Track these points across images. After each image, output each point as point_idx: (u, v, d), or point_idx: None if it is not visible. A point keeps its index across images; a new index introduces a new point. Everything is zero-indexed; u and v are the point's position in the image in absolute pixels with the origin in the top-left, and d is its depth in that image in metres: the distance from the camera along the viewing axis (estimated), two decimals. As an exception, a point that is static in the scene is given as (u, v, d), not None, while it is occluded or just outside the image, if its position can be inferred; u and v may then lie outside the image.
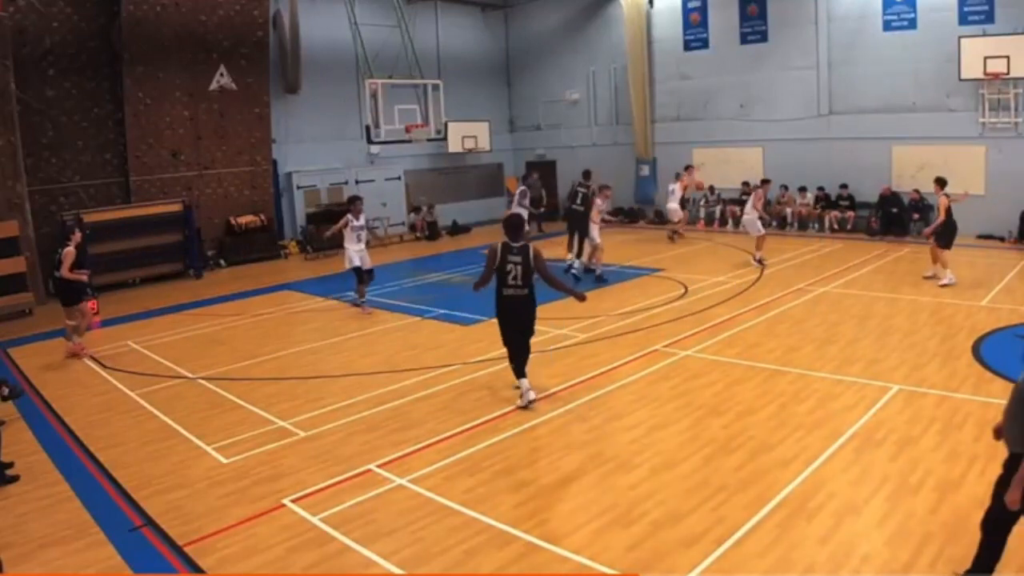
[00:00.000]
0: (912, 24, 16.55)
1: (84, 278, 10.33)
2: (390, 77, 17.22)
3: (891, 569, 4.38)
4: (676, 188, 17.68)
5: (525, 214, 13.85)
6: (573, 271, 13.78)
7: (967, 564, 4.15)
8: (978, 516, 4.15)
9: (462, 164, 23.50)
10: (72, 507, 5.77)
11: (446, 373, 8.65)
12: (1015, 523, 4.02)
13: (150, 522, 5.44)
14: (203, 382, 8.87)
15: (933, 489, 5.29)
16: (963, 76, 15.52)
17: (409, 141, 17.66)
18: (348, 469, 6.15)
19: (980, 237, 15.77)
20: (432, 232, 21.17)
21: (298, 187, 19.60)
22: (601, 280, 13.40)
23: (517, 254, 7.33)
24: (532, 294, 7.45)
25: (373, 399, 7.87)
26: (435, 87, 17.66)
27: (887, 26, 16.93)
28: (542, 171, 22.84)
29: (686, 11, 20.41)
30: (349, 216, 11.83)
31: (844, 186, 17.89)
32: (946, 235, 11.86)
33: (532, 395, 7.38)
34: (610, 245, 14.13)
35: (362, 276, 11.98)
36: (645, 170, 21.85)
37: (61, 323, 10.71)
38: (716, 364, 8.48)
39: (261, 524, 5.32)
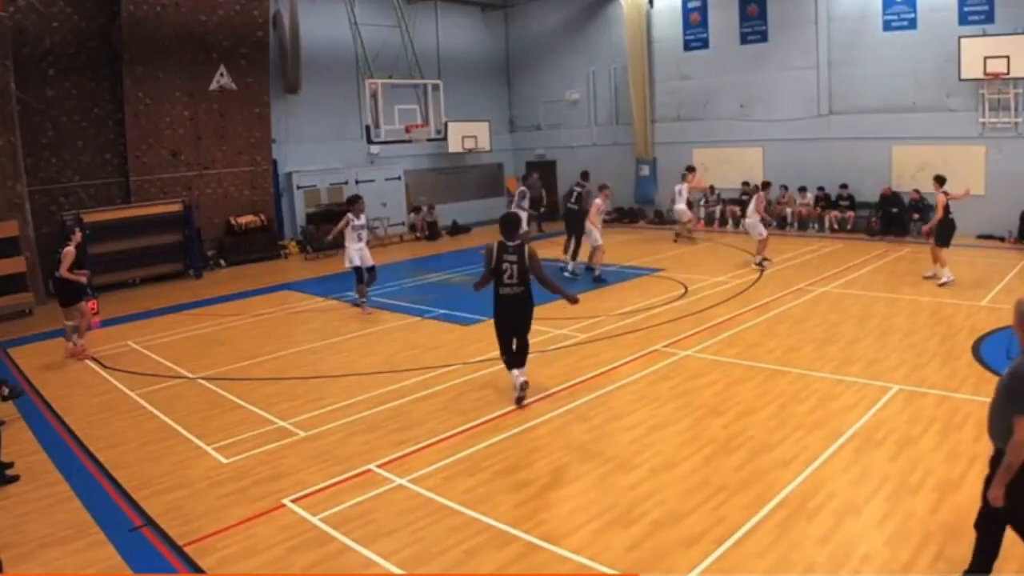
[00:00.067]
0: (912, 24, 16.55)
1: (83, 279, 10.31)
2: (390, 77, 17.23)
3: (891, 569, 4.38)
4: (683, 189, 17.64)
5: (524, 216, 13.92)
6: (566, 274, 13.79)
7: (967, 564, 4.15)
8: (978, 516, 4.15)
9: (462, 164, 23.50)
10: (72, 507, 5.77)
11: (446, 373, 8.65)
12: (1009, 521, 4.02)
13: (150, 522, 5.44)
14: (203, 382, 8.88)
15: (933, 489, 5.29)
16: (963, 76, 15.52)
17: (409, 141, 17.66)
18: (348, 469, 6.15)
19: (980, 237, 15.77)
20: (432, 232, 21.17)
21: (298, 187, 19.61)
22: (600, 280, 13.41)
23: (513, 253, 7.37)
24: (529, 292, 7.50)
25: (373, 399, 7.87)
26: (435, 87, 17.66)
27: (887, 26, 16.94)
28: (542, 171, 22.85)
29: (686, 11, 20.42)
30: (350, 215, 11.83)
31: (844, 186, 17.89)
32: (944, 233, 11.88)
33: (522, 379, 7.46)
34: (610, 245, 14.13)
35: (362, 276, 11.98)
36: (645, 170, 21.85)
37: (61, 323, 10.71)
38: (716, 364, 8.48)
39: (261, 524, 5.32)
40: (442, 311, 11.82)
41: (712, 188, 19.72)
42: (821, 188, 18.32)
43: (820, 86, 18.15)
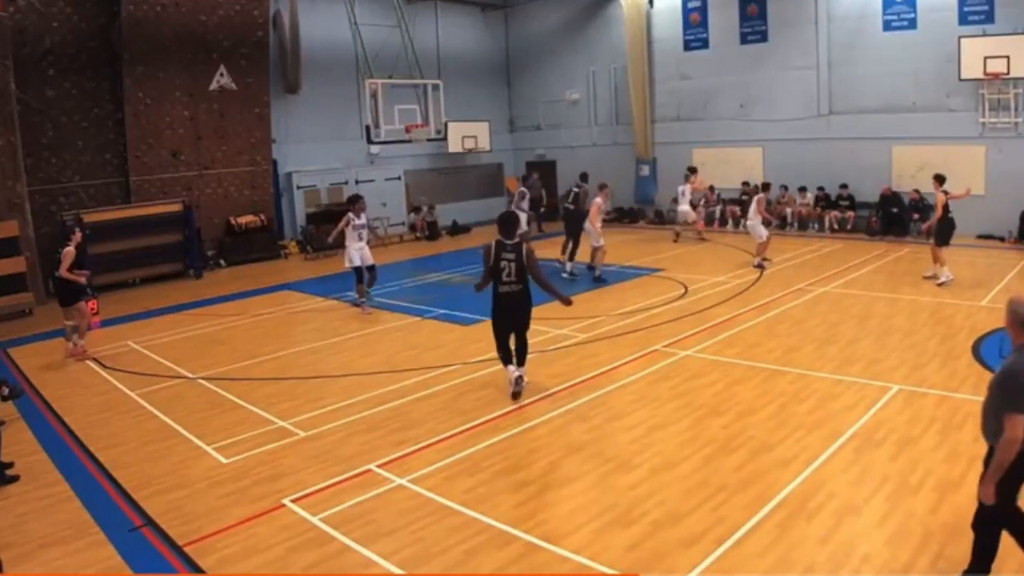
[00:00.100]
0: (912, 24, 16.55)
1: (83, 280, 10.30)
2: (390, 77, 17.23)
3: (891, 569, 4.38)
4: (686, 190, 17.61)
5: (523, 217, 13.96)
6: (564, 275, 13.81)
7: (967, 564, 4.15)
8: (978, 516, 4.15)
9: (462, 164, 23.50)
10: (72, 507, 5.77)
11: (446, 373, 8.65)
12: (1000, 521, 4.03)
13: (150, 522, 5.44)
14: (203, 382, 8.87)
15: (933, 489, 5.29)
16: (963, 76, 15.52)
17: (409, 141, 17.67)
18: (348, 469, 6.15)
19: (980, 237, 15.77)
20: (432, 232, 21.17)
21: (298, 187, 19.61)
22: (600, 280, 13.41)
23: (511, 251, 7.44)
24: (527, 290, 7.57)
25: (373, 399, 7.87)
26: (435, 87, 17.66)
27: (887, 26, 16.94)
28: (542, 171, 22.86)
29: (686, 11, 20.42)
30: (351, 215, 11.84)
31: (844, 186, 17.89)
32: (943, 233, 11.89)
33: (517, 373, 7.58)
34: (610, 245, 14.13)
35: (362, 275, 11.98)
36: (645, 170, 21.85)
37: (61, 323, 10.71)
38: (716, 364, 8.48)
39: (261, 524, 5.32)
40: (442, 311, 11.82)
41: (712, 188, 19.72)
42: (821, 188, 18.32)
43: (820, 86, 18.15)
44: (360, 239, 11.93)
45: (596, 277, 13.53)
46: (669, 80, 21.05)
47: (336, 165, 20.42)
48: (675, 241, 17.72)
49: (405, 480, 5.89)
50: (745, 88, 19.47)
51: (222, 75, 17.48)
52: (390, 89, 16.87)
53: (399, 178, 21.55)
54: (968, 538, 4.16)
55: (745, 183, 19.15)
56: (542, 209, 20.58)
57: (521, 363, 7.85)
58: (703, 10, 20.07)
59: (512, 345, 7.76)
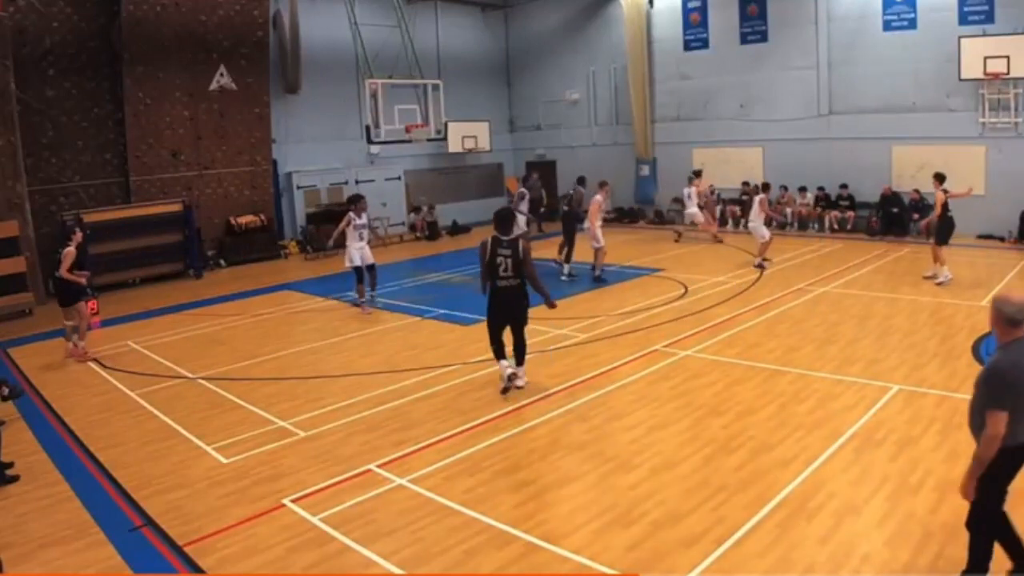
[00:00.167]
0: (912, 24, 16.55)
1: (83, 280, 10.29)
2: (390, 77, 17.23)
3: (891, 569, 4.39)
4: (692, 193, 17.57)
5: (522, 219, 14.03)
6: (563, 277, 13.85)
7: (965, 565, 4.16)
8: (978, 516, 4.15)
9: (462, 164, 23.50)
10: (72, 507, 5.77)
11: (446, 373, 8.65)
12: (998, 515, 4.03)
13: (150, 522, 5.44)
14: (203, 382, 8.88)
15: (933, 489, 5.29)
16: (963, 76, 15.52)
17: (409, 141, 17.66)
18: (348, 469, 6.15)
19: (980, 237, 15.78)
20: (432, 232, 21.18)
21: (298, 187, 19.61)
22: (600, 280, 13.42)
23: (507, 247, 7.55)
24: (524, 286, 7.67)
25: (373, 399, 7.87)
26: (435, 87, 17.66)
27: (887, 26, 16.93)
28: (542, 171, 22.85)
29: (686, 11, 20.41)
30: (351, 214, 11.85)
31: (844, 186, 17.89)
32: (943, 232, 11.90)
33: (510, 370, 7.71)
34: (610, 245, 14.13)
35: (362, 275, 11.98)
36: (645, 170, 21.85)
37: (61, 323, 10.70)
38: (716, 364, 8.48)
39: (261, 524, 5.32)
40: (442, 311, 11.82)
41: (712, 188, 19.70)
42: (821, 188, 18.32)
43: (820, 86, 18.15)
44: (361, 239, 11.94)
45: (596, 277, 13.54)
46: (669, 80, 21.05)
47: (336, 165, 20.42)
48: (676, 241, 17.70)
49: (405, 480, 5.89)
50: (745, 88, 19.46)
51: (222, 75, 17.48)
52: (390, 89, 16.87)
53: (399, 178, 21.55)
54: (967, 538, 4.16)
55: (745, 183, 19.15)
56: (542, 209, 20.59)
57: (520, 362, 7.91)
58: (703, 10, 20.07)
59: (510, 344, 7.79)
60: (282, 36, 18.79)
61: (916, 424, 6.45)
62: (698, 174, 18.08)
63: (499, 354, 7.83)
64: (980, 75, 15.28)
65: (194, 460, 6.55)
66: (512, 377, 7.74)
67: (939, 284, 11.70)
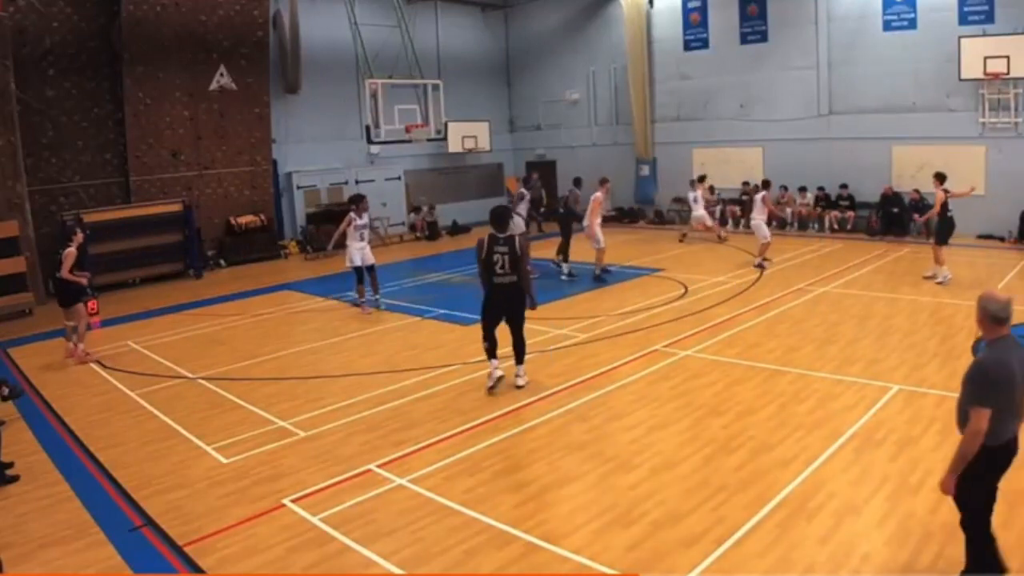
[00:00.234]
0: (912, 24, 16.55)
1: (84, 281, 10.28)
2: (390, 77, 17.23)
3: (891, 569, 4.39)
4: (698, 195, 17.56)
5: (520, 220, 14.10)
6: (563, 276, 13.87)
7: (964, 565, 4.16)
8: (978, 516, 4.15)
9: (462, 164, 23.50)
10: (72, 507, 5.77)
11: (446, 373, 8.65)
12: (991, 513, 4.05)
13: (150, 522, 5.44)
14: (203, 382, 8.88)
15: (933, 489, 5.26)
16: (963, 76, 15.52)
17: (409, 141, 17.66)
18: (348, 469, 6.15)
19: (980, 237, 15.78)
20: (432, 232, 21.18)
21: (298, 187, 19.62)
22: (600, 280, 13.42)
23: (503, 244, 7.61)
24: (521, 281, 7.69)
25: (373, 399, 7.87)
26: (435, 87, 17.66)
27: (887, 26, 16.93)
28: (542, 171, 22.82)
29: (686, 11, 20.41)
30: (352, 214, 11.84)
31: (844, 186, 17.89)
32: (943, 232, 11.90)
33: (499, 372, 7.82)
34: (610, 245, 14.14)
35: (362, 275, 11.98)
36: (645, 170, 21.84)
37: (61, 323, 10.70)
38: (716, 364, 8.48)
39: (261, 524, 5.32)
40: (442, 311, 11.82)
41: (712, 188, 19.71)
42: (821, 188, 18.31)
43: (820, 86, 18.15)
44: (361, 239, 11.94)
45: (596, 276, 13.54)
46: (669, 80, 21.05)
47: (336, 165, 20.42)
48: (681, 241, 17.67)
49: (405, 480, 5.89)
50: (745, 88, 19.46)
51: (222, 75, 17.48)
52: (390, 89, 16.86)
53: (399, 178, 21.55)
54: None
55: (745, 183, 19.14)
56: (542, 209, 20.58)
57: (519, 361, 7.94)
58: (703, 10, 20.07)
59: (503, 346, 7.80)
60: (282, 36, 18.79)
61: (916, 424, 6.45)
62: (701, 179, 18.10)
63: (491, 353, 7.88)
64: (980, 75, 15.28)
65: (194, 460, 6.55)
66: (499, 380, 7.84)
67: (939, 284, 11.70)
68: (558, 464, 6.11)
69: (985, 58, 15.10)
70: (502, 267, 7.58)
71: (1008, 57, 14.87)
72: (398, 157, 21.18)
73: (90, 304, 11.69)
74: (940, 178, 11.98)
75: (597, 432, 6.74)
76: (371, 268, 12.09)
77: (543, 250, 15.72)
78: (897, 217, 16.83)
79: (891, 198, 16.99)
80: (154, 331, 11.67)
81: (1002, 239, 15.65)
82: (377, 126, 16.34)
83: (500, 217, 7.80)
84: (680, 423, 6.81)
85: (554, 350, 9.34)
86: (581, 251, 14.39)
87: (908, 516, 4.94)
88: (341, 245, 12.15)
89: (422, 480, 5.87)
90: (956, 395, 7.15)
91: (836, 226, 17.83)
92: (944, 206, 11.79)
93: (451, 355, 9.37)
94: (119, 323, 12.42)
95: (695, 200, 17.53)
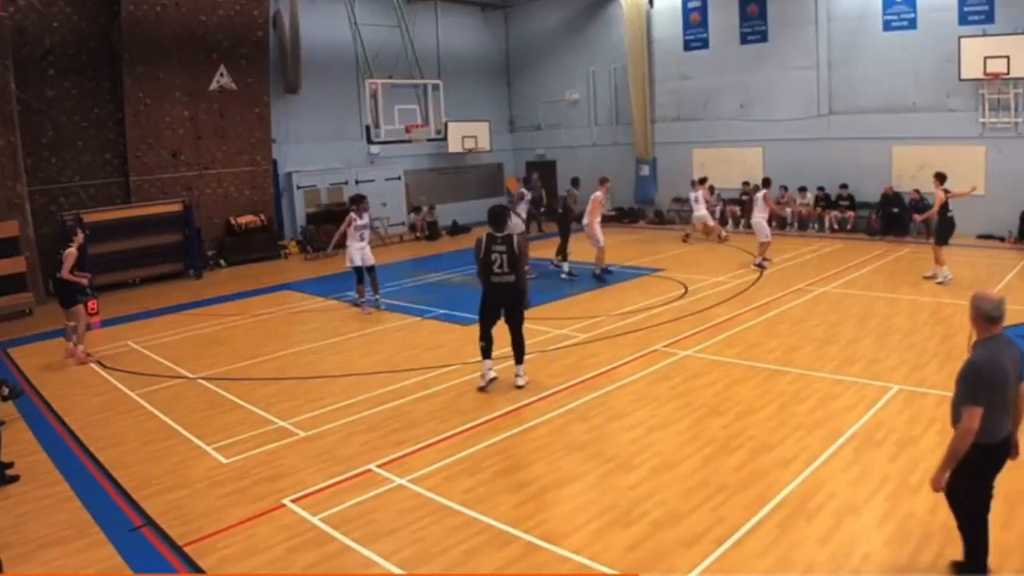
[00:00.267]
0: (912, 24, 16.55)
1: (84, 282, 10.27)
2: (390, 77, 17.22)
3: (891, 569, 4.39)
4: (700, 196, 17.58)
5: (517, 221, 14.15)
6: (563, 276, 13.87)
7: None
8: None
9: (462, 164, 23.50)
10: (72, 507, 5.77)
11: (446, 373, 8.65)
12: (987, 512, 4.06)
13: (150, 522, 5.44)
14: (203, 382, 8.87)
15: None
16: (963, 76, 15.52)
17: (409, 141, 17.66)
18: (348, 469, 6.15)
19: (980, 237, 15.78)
20: (432, 232, 21.18)
21: (298, 187, 19.61)
22: (600, 280, 13.42)
23: (501, 243, 7.65)
24: (519, 281, 7.72)
25: (373, 399, 7.87)
26: (435, 87, 17.65)
27: (887, 26, 16.94)
28: (542, 171, 22.82)
29: (686, 11, 20.41)
30: (352, 215, 11.84)
31: (844, 186, 17.89)
32: (943, 232, 11.90)
33: (491, 373, 7.90)
34: (610, 245, 14.13)
35: (362, 276, 11.98)
36: (645, 170, 21.84)
37: (61, 323, 10.70)
38: (716, 364, 8.48)
39: (261, 524, 5.32)
40: (442, 311, 11.82)
41: (712, 188, 19.70)
42: (821, 188, 18.31)
43: (820, 86, 18.15)
44: (362, 239, 11.93)
45: (596, 276, 13.54)
46: (669, 80, 21.05)
47: (336, 165, 20.42)
48: (685, 241, 17.64)
49: (405, 480, 5.89)
50: (745, 88, 19.46)
51: (222, 75, 17.48)
52: (390, 89, 16.86)
53: (399, 178, 21.55)
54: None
55: (745, 183, 19.14)
56: (542, 209, 20.59)
57: (519, 360, 7.96)
58: (703, 10, 20.07)
59: (499, 347, 7.82)
60: (282, 36, 18.79)
61: (916, 424, 6.45)
62: (702, 181, 18.12)
63: (485, 352, 7.91)
64: (980, 75, 15.28)
65: (194, 460, 6.55)
66: (491, 381, 7.90)
67: (939, 284, 11.70)
68: (558, 464, 6.11)
69: (985, 58, 15.10)
70: (500, 266, 7.61)
71: (1008, 57, 14.87)
72: (398, 157, 21.18)
73: (90, 304, 11.68)
74: (940, 178, 11.98)
75: (597, 432, 6.74)
76: (371, 268, 12.08)
77: (543, 250, 15.72)
78: (897, 217, 16.83)
79: (891, 198, 16.99)
80: (154, 331, 11.66)
81: (1002, 239, 15.65)
82: (377, 126, 16.34)
83: (498, 216, 7.83)
84: (680, 423, 6.82)
85: (554, 350, 9.34)
86: (581, 251, 14.39)
87: (908, 516, 4.94)
88: (341, 245, 12.16)
89: (422, 480, 5.87)
90: (955, 395, 7.17)
91: (836, 226, 17.83)
92: (944, 206, 11.79)
93: (451, 355, 9.37)
94: (119, 323, 12.42)
95: (696, 200, 17.55)
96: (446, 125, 18.81)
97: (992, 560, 4.14)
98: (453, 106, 19.86)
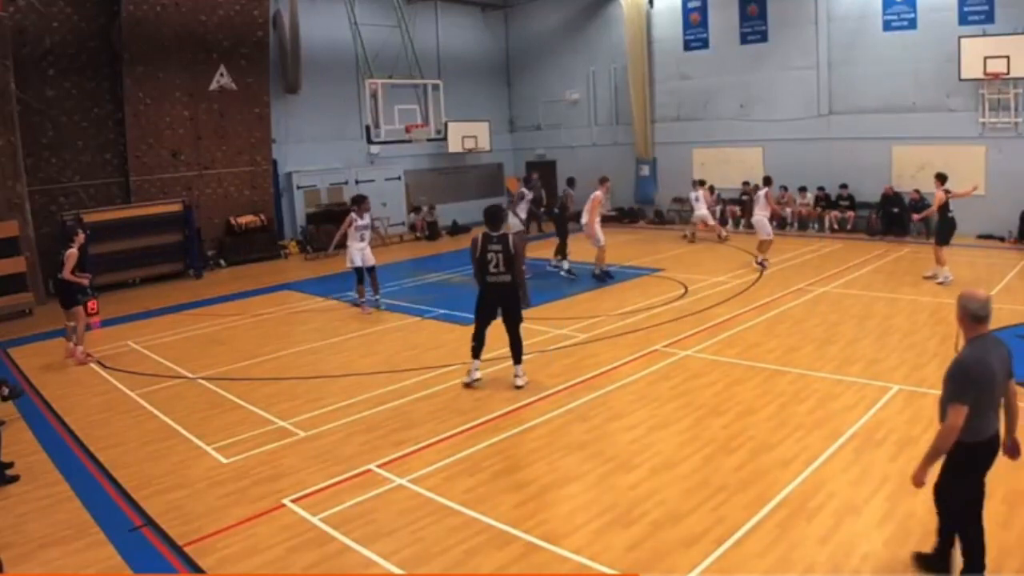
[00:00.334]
0: (912, 24, 16.55)
1: (85, 282, 10.26)
2: (390, 77, 17.22)
3: (891, 569, 4.39)
4: (701, 196, 17.59)
5: (517, 221, 14.16)
6: (562, 274, 13.88)
7: (962, 566, 4.15)
8: (978, 516, 4.14)
9: (462, 164, 23.50)
10: (72, 507, 5.77)
11: (446, 373, 8.65)
12: (977, 512, 4.07)
13: (150, 522, 5.44)
14: (203, 382, 8.87)
15: (933, 489, 5.28)
16: (963, 76, 15.52)
17: (409, 141, 17.65)
18: (348, 469, 6.15)
19: (980, 237, 15.78)
20: (432, 232, 21.18)
21: (298, 187, 19.62)
22: (600, 280, 13.42)
23: (497, 243, 7.68)
24: (515, 282, 7.75)
25: (373, 399, 7.87)
26: (435, 87, 17.65)
27: (887, 26, 16.94)
28: (542, 171, 22.80)
29: (686, 11, 20.42)
30: (353, 215, 11.84)
31: (844, 186, 17.89)
32: (944, 232, 11.89)
33: (477, 375, 7.99)
34: (610, 245, 14.12)
35: (362, 276, 11.98)
36: (645, 170, 21.85)
37: (61, 323, 10.70)
38: (716, 364, 8.48)
39: (261, 524, 5.32)
40: (442, 311, 11.82)
41: (712, 188, 19.70)
42: (821, 188, 18.32)
43: (820, 86, 18.15)
44: (362, 239, 11.93)
45: (597, 276, 13.53)
46: (669, 80, 21.05)
47: (336, 165, 20.42)
48: (691, 242, 17.63)
49: (405, 480, 5.89)
50: (745, 88, 19.47)
51: (222, 75, 17.48)
52: (390, 89, 16.86)
53: (399, 178, 21.56)
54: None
55: (745, 183, 19.14)
56: (542, 209, 20.58)
57: (517, 360, 7.97)
58: (703, 10, 20.07)
59: (496, 348, 7.84)
60: (282, 36, 18.79)
61: (916, 424, 6.45)
62: (702, 183, 18.13)
63: (475, 352, 7.98)
64: (980, 75, 15.28)
65: (194, 460, 6.55)
66: (476, 381, 7.97)
67: (940, 284, 11.70)
68: (558, 464, 6.11)
69: (985, 58, 15.11)
70: (496, 266, 7.63)
71: (1008, 57, 14.87)
72: (398, 157, 21.18)
73: (90, 304, 11.67)
74: (941, 178, 11.97)
75: (597, 432, 6.74)
76: (371, 268, 12.08)
77: (543, 250, 15.71)
78: (897, 217, 16.83)
79: (891, 198, 16.99)
80: (154, 331, 11.66)
81: (1002, 239, 15.65)
82: (377, 126, 16.33)
83: (494, 216, 7.87)
84: (680, 423, 6.82)
85: (554, 350, 9.33)
86: (581, 251, 14.39)
87: (908, 516, 4.94)
88: (342, 245, 12.17)
89: (422, 480, 5.87)
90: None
91: (836, 226, 17.83)
92: (945, 206, 11.79)
93: (451, 355, 9.37)
94: (119, 323, 12.42)
95: (697, 199, 17.57)
96: (446, 125, 18.81)
97: (992, 560, 4.14)
98: (453, 106, 19.86)
